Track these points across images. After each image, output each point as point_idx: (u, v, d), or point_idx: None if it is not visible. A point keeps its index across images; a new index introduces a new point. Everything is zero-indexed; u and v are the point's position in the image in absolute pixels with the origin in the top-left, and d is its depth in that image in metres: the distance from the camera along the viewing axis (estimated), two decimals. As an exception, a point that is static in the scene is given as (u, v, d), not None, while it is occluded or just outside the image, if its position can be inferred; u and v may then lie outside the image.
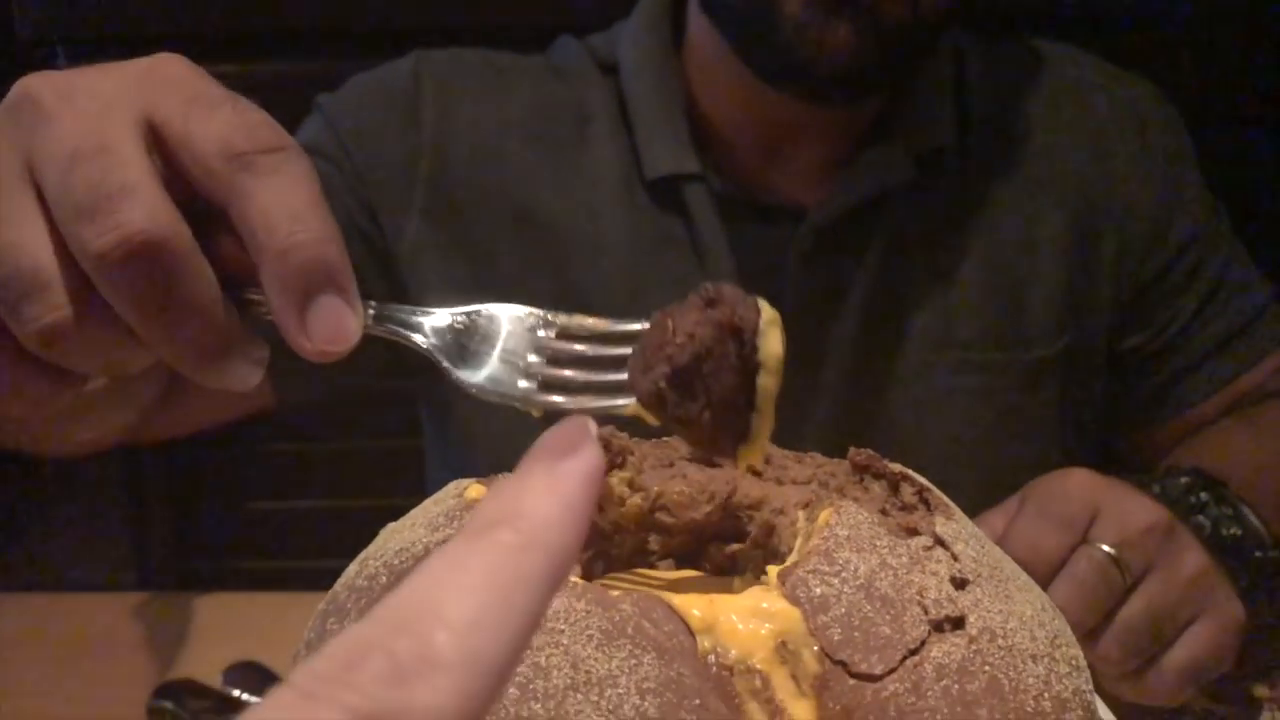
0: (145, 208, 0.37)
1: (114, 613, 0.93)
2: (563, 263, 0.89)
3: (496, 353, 0.40)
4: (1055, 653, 0.41)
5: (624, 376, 0.39)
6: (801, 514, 0.46)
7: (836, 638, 0.38)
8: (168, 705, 0.74)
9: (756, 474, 0.51)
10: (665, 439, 0.53)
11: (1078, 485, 0.68)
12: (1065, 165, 0.93)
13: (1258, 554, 0.73)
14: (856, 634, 0.38)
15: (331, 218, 0.39)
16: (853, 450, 0.48)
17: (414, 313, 0.41)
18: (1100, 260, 0.93)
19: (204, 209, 0.39)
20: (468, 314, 0.41)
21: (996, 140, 0.92)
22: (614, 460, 0.50)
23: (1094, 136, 0.93)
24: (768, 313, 0.38)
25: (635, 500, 0.49)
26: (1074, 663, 0.42)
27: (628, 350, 0.39)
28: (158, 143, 0.39)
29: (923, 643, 0.38)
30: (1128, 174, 0.93)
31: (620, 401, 0.39)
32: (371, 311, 0.40)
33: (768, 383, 0.38)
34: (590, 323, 0.41)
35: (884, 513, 0.45)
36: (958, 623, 0.39)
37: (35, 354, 0.39)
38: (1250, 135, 1.34)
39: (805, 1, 0.77)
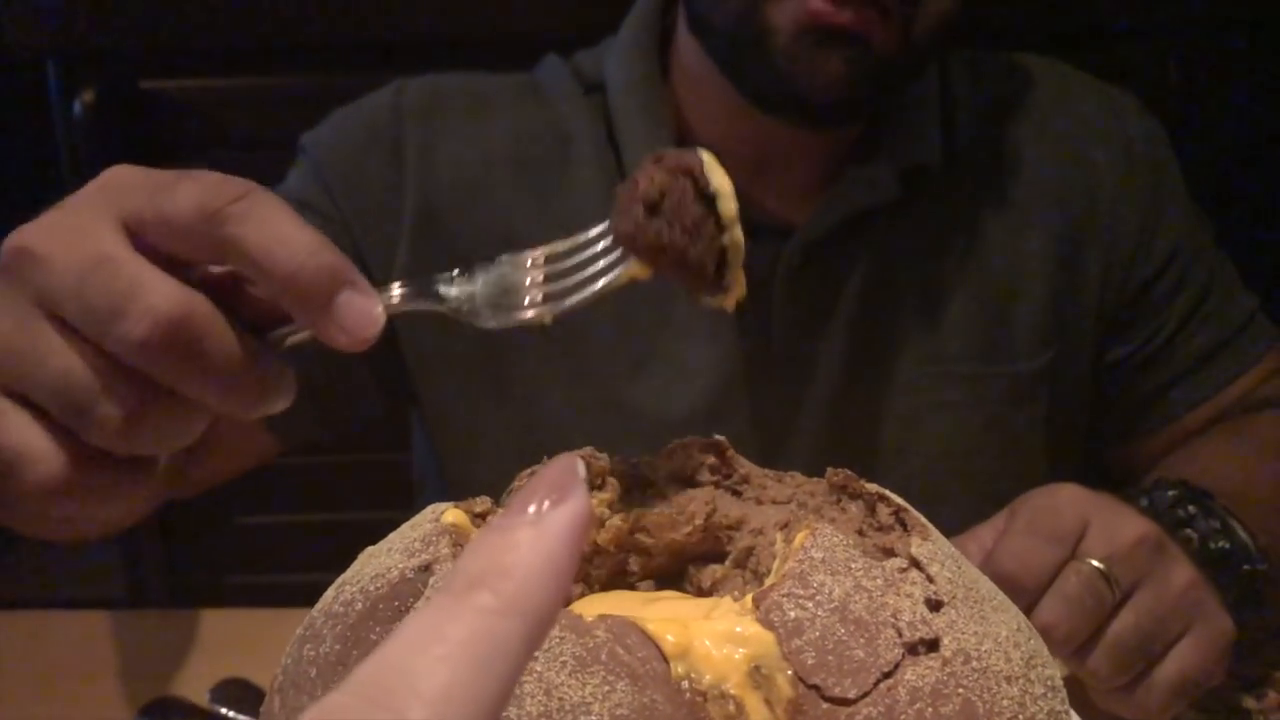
0: (160, 292, 0.41)
1: (103, 629, 0.93)
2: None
3: (505, 291, 0.46)
4: (1030, 674, 0.41)
5: (612, 258, 0.45)
6: (779, 535, 0.47)
7: (810, 661, 0.38)
8: (154, 723, 0.74)
9: (736, 493, 0.51)
10: (646, 458, 0.53)
11: (1067, 500, 0.68)
12: (1049, 182, 0.93)
13: (1245, 567, 0.73)
14: (830, 658, 0.38)
15: (312, 228, 0.43)
16: (830, 470, 0.49)
17: (431, 282, 0.46)
18: (1085, 276, 0.93)
19: (200, 276, 0.44)
20: (471, 269, 0.46)
21: (982, 157, 0.93)
22: (594, 482, 0.50)
23: (1077, 151, 0.94)
24: (707, 155, 0.45)
25: (615, 521, 0.50)
26: (1049, 684, 0.42)
27: (605, 243, 0.46)
28: (140, 236, 0.43)
29: (896, 665, 0.38)
30: (1111, 188, 0.93)
31: (616, 271, 0.45)
32: (398, 291, 0.45)
33: (736, 235, 0.45)
34: (569, 241, 0.47)
35: (861, 533, 0.45)
36: (932, 645, 0.39)
37: (112, 453, 0.43)
38: (1235, 144, 1.34)
39: (796, 32, 0.77)
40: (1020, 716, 0.39)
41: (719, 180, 0.45)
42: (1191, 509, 0.74)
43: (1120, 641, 0.66)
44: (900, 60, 0.80)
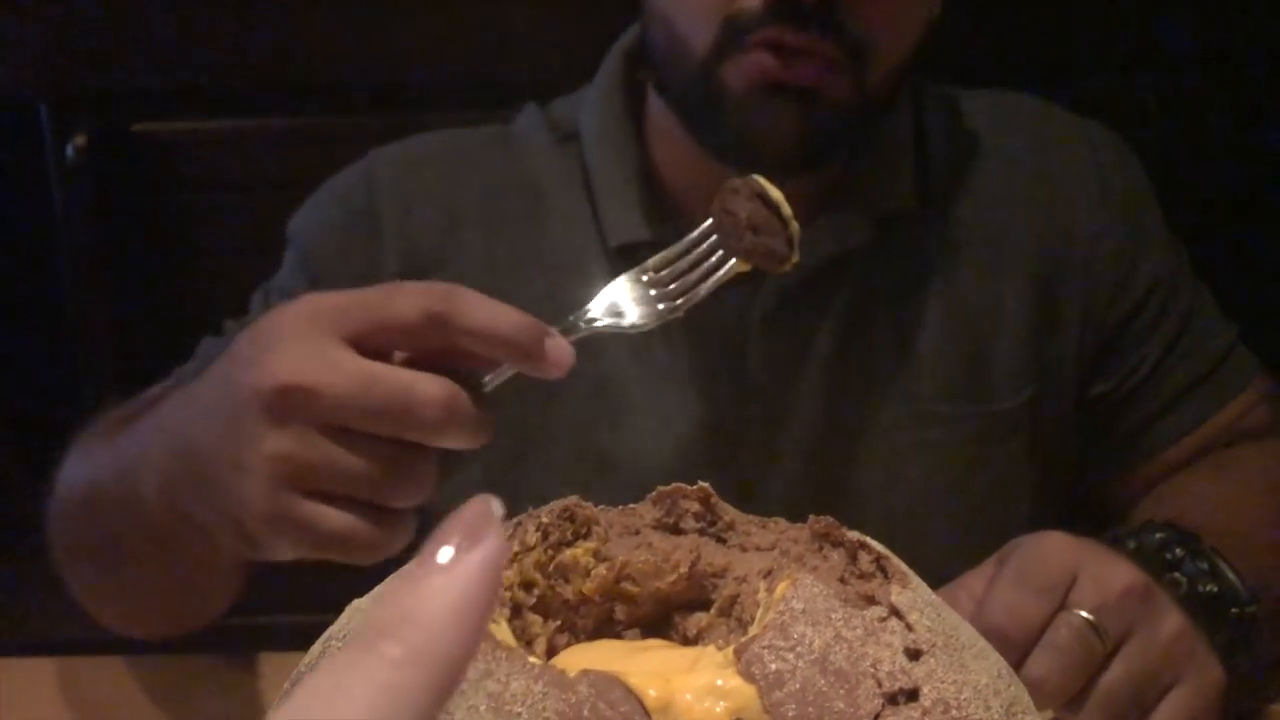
0: (426, 383, 0.54)
1: (104, 675, 0.93)
2: None
3: (632, 302, 0.61)
4: (1009, 722, 0.42)
5: (716, 259, 0.61)
6: (763, 584, 0.47)
7: (791, 714, 0.38)
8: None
9: (720, 540, 0.52)
10: (631, 506, 0.54)
11: (1054, 549, 0.68)
12: (1026, 224, 0.93)
13: (1234, 610, 0.73)
14: (811, 709, 0.39)
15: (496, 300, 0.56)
16: (812, 518, 0.49)
17: (583, 314, 0.60)
18: (1064, 316, 0.93)
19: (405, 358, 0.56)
20: (607, 301, 0.61)
21: (957, 200, 0.93)
22: (579, 530, 0.51)
23: (1053, 190, 0.94)
24: (760, 178, 0.62)
25: (600, 570, 0.50)
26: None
27: (704, 248, 0.62)
28: (361, 344, 0.55)
29: (876, 716, 0.39)
30: (1088, 226, 0.94)
31: (727, 267, 0.61)
32: (580, 326, 0.59)
33: (794, 224, 0.61)
34: (668, 251, 0.62)
35: (843, 580, 0.45)
36: (911, 695, 0.40)
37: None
38: (1214, 177, 1.36)
39: (748, 89, 0.79)
40: (1000, 764, 0.40)
41: (775, 193, 0.61)
42: (1179, 551, 0.74)
43: (1112, 693, 0.65)
44: (856, 108, 0.82)
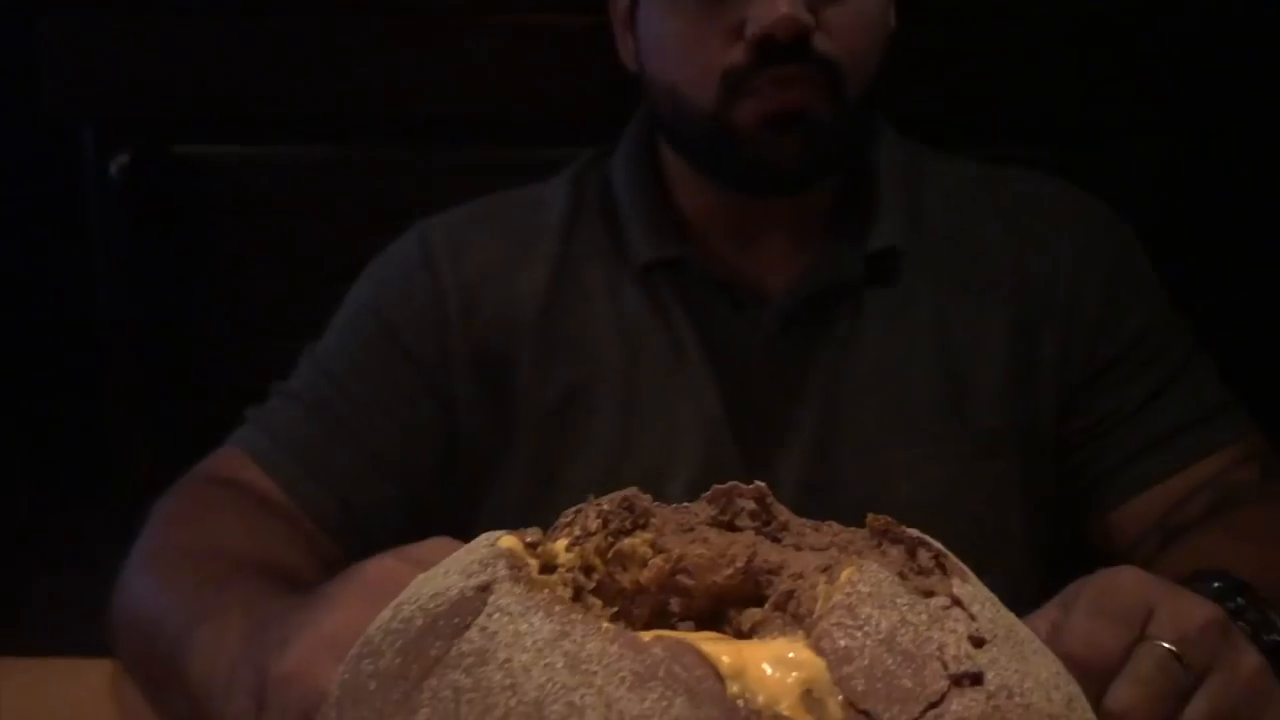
0: None
1: (102, 675, 0.93)
2: (565, 364, 1.02)
3: None
4: (1071, 715, 0.42)
5: None
6: (822, 577, 0.48)
7: (860, 688, 0.39)
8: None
9: (775, 540, 0.52)
10: (685, 504, 0.54)
11: (1130, 581, 0.67)
12: (1010, 271, 1.02)
13: None
14: (879, 685, 0.39)
15: None
16: (870, 516, 0.50)
17: None
18: (1041, 357, 1.01)
19: None
20: None
21: (946, 246, 1.03)
22: (637, 521, 0.51)
23: (1041, 240, 1.03)
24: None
25: (657, 561, 0.51)
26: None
27: None
28: None
29: (943, 696, 0.39)
30: (1071, 274, 1.02)
31: None
32: None
33: None
34: None
35: (902, 575, 0.46)
36: (976, 679, 0.40)
37: None
38: (1214, 243, 1.38)
39: (758, 125, 0.92)
40: (1063, 752, 0.40)
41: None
42: (1240, 600, 0.73)
43: None
44: (838, 122, 0.94)
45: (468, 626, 0.40)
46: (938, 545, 0.48)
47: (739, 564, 0.50)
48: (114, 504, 1.18)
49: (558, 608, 0.40)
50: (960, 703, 0.39)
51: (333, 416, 1.00)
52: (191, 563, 0.86)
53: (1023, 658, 0.43)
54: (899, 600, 0.42)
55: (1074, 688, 0.44)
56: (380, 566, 0.62)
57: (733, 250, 1.02)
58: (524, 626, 0.39)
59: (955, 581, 0.45)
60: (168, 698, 0.81)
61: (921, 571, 0.46)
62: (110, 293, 1.46)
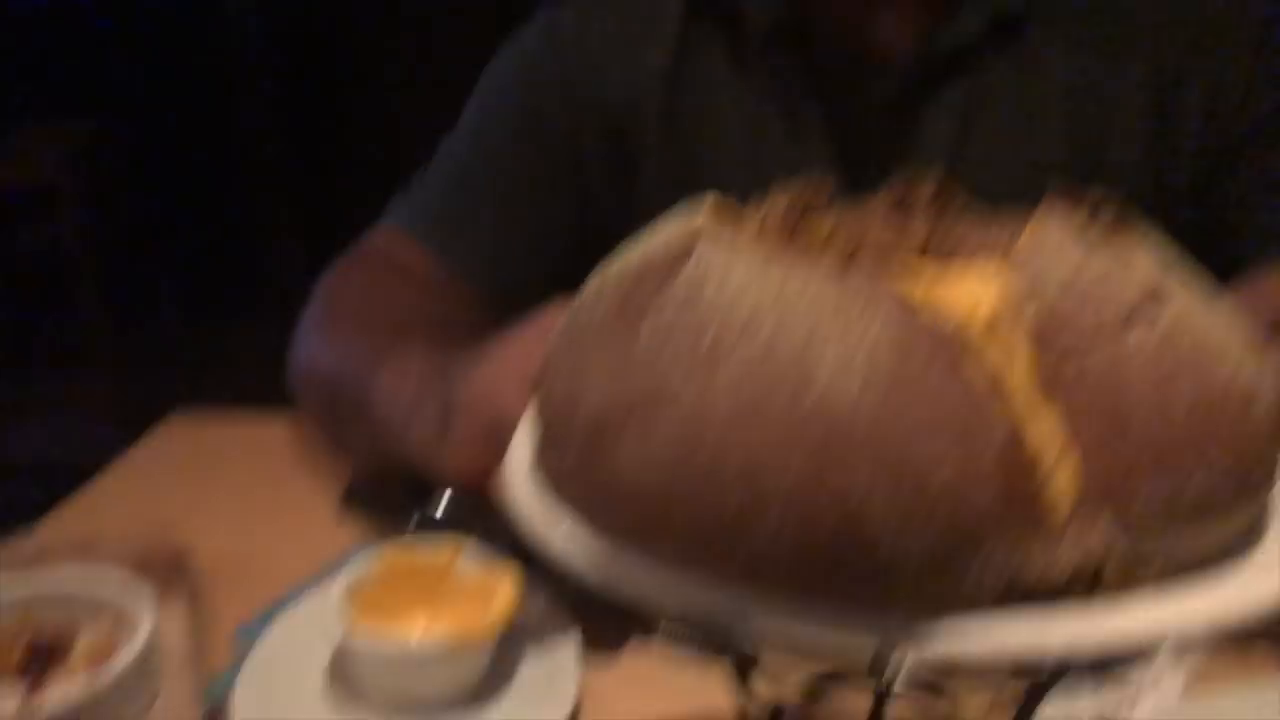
0: None
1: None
2: (688, 141, 1.03)
3: None
4: (1247, 357, 0.44)
5: None
6: (1007, 235, 0.50)
7: (1043, 321, 0.42)
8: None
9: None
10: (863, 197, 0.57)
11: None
12: (1151, 20, 0.95)
13: None
14: (1061, 320, 0.42)
15: None
16: (1049, 194, 0.52)
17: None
18: (1185, 117, 0.95)
19: None
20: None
21: (1072, 5, 0.96)
22: (820, 203, 0.54)
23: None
24: None
25: (841, 238, 0.53)
26: (1263, 369, 0.45)
27: None
28: None
29: (1124, 323, 0.42)
30: (1221, 15, 0.94)
31: None
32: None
33: None
34: None
35: (1084, 229, 0.48)
36: (1154, 320, 0.43)
37: None
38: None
39: None
40: (1238, 379, 0.42)
41: None
42: None
43: None
44: None
45: (675, 274, 0.43)
46: (1118, 204, 0.49)
47: (920, 238, 0.53)
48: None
49: (761, 252, 0.43)
50: (1136, 335, 0.42)
51: (476, 184, 1.05)
52: (365, 323, 0.93)
53: (1202, 307, 0.45)
54: (1080, 247, 0.44)
55: (1251, 333, 0.46)
56: (557, 310, 0.65)
57: (861, 12, 0.98)
58: (731, 268, 0.42)
59: (1135, 236, 0.46)
60: (352, 438, 0.90)
61: (1103, 225, 0.48)
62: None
